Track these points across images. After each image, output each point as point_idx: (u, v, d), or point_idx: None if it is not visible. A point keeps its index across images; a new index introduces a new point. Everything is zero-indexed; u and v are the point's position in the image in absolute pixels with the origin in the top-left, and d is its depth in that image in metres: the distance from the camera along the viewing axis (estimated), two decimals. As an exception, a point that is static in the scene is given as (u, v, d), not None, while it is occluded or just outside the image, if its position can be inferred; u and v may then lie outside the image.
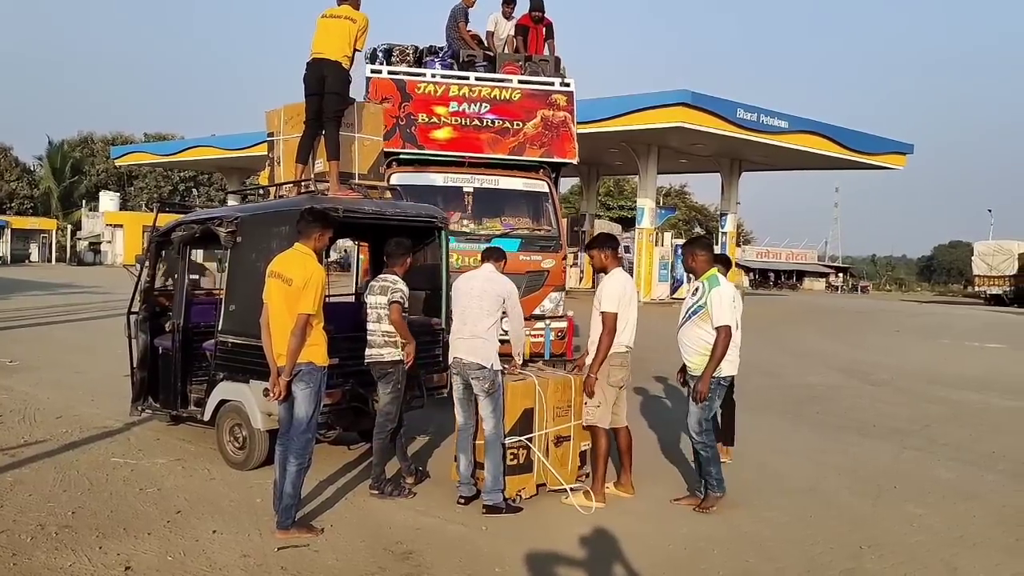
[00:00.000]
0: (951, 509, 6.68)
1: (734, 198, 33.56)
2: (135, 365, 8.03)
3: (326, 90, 7.46)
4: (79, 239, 60.30)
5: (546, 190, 10.44)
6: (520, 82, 10.62)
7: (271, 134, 8.03)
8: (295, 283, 5.49)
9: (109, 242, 56.71)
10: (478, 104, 10.41)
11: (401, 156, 10.00)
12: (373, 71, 10.17)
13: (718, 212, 37.60)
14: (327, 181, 7.32)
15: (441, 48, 11.06)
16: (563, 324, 10.20)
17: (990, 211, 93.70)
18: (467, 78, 10.56)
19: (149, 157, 50.18)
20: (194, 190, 71.05)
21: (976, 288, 51.15)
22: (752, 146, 28.10)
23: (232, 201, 40.84)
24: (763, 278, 63.16)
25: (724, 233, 33.19)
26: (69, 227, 61.78)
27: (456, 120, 10.27)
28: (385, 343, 6.38)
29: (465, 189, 10.12)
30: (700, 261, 6.39)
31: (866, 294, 64.97)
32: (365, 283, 6.97)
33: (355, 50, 7.74)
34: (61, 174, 67.28)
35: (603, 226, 36.70)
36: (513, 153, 10.38)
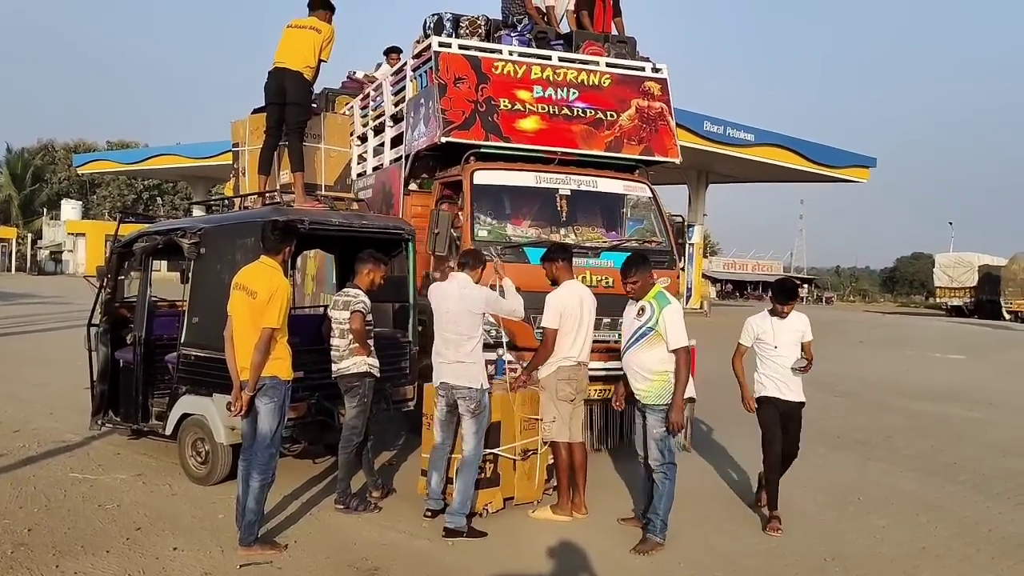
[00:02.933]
0: (914, 521, 6.74)
1: (701, 210, 33.83)
2: (95, 378, 7.88)
3: (287, 100, 7.42)
4: (40, 248, 59.39)
5: (650, 194, 8.88)
6: (608, 65, 9.01)
7: (236, 144, 7.97)
8: (260, 296, 5.42)
9: (71, 251, 55.92)
10: (565, 89, 8.75)
11: (482, 150, 8.31)
12: (442, 44, 8.44)
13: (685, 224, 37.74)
14: (293, 192, 7.26)
15: (519, 19, 9.43)
16: None
17: (951, 224, 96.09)
18: (549, 58, 8.84)
19: (113, 165, 49.44)
20: (159, 199, 70.27)
21: (937, 299, 52.12)
22: (719, 159, 28.36)
23: (197, 212, 40.39)
24: (738, 289, 63.69)
25: (691, 244, 33.40)
26: (30, 236, 60.82)
27: (543, 108, 8.60)
28: (350, 355, 6.32)
29: (561, 192, 8.46)
30: (644, 280, 5.98)
31: (830, 305, 65.80)
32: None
33: (320, 60, 7.71)
34: (21, 182, 66.27)
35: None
36: (610, 149, 8.78)
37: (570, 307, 6.26)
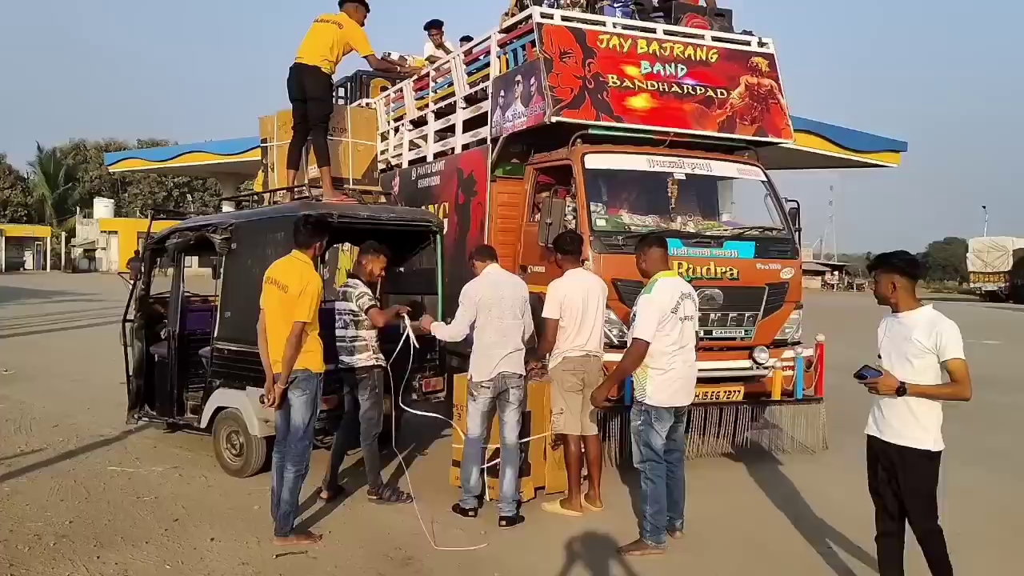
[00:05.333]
0: (948, 505, 6.66)
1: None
2: (131, 373, 8.01)
3: (307, 96, 7.43)
4: (74, 246, 60.25)
5: (764, 178, 8.33)
6: (714, 39, 8.41)
7: (264, 140, 8.03)
8: (291, 290, 5.48)
9: (104, 249, 56.73)
10: (673, 65, 8.10)
11: (591, 131, 7.70)
12: (544, 15, 7.83)
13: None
14: (321, 187, 7.31)
15: None
16: (810, 352, 7.92)
17: (984, 208, 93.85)
18: (654, 31, 8.20)
19: (143, 163, 50.03)
20: (188, 196, 71.03)
21: (971, 284, 51.29)
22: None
23: (227, 207, 40.85)
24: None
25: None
26: (64, 234, 61.75)
27: (652, 85, 7.95)
28: (354, 349, 6.31)
29: (676, 175, 7.87)
30: (650, 261, 5.66)
31: (861, 291, 65.06)
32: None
33: (343, 53, 7.64)
34: (54, 181, 67.29)
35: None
36: (723, 129, 8.22)
37: (571, 297, 6.15)
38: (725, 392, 7.39)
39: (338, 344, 6.31)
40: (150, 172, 61.19)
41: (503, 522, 5.94)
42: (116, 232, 55.72)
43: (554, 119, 7.43)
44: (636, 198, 7.95)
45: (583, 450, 6.34)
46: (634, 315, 5.53)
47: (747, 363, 7.51)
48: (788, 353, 7.71)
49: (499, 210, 8.14)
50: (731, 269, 7.45)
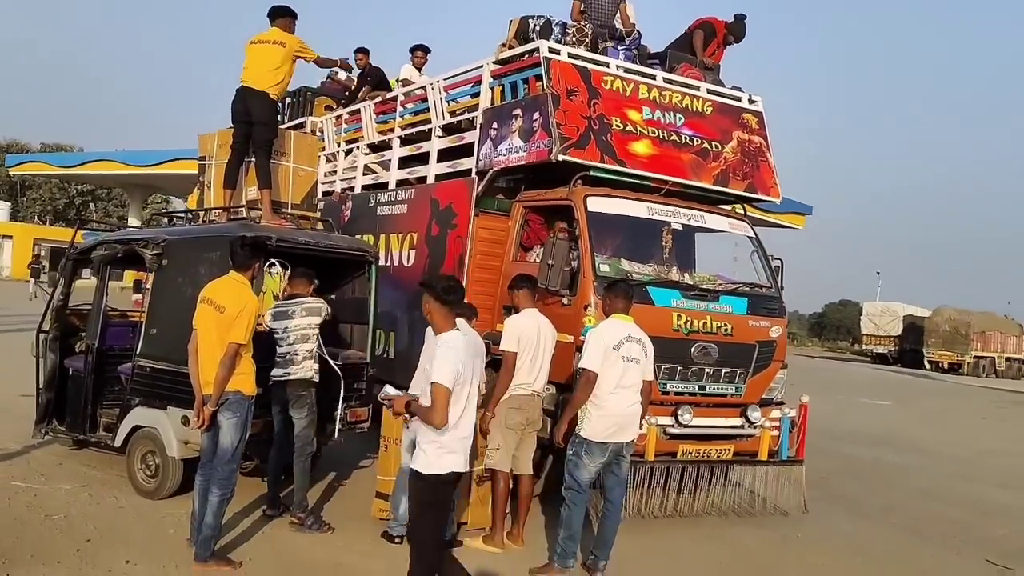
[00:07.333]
0: (851, 561, 7.00)
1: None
2: (42, 386, 7.70)
3: (253, 120, 7.38)
4: (-37, 249, 57.24)
5: (753, 235, 8.26)
6: (708, 92, 8.38)
7: (203, 158, 7.94)
8: (228, 311, 5.43)
9: (-3, 253, 54.06)
10: (672, 113, 8.01)
11: (592, 173, 7.51)
12: (551, 50, 7.63)
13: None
14: (260, 209, 7.27)
15: (630, 33, 8.54)
16: (794, 412, 7.80)
17: (878, 273, 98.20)
18: (654, 77, 8.12)
19: (48, 168, 48.09)
20: (91, 204, 68.59)
21: (863, 346, 53.63)
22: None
23: (133, 221, 39.83)
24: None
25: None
26: (-49, 236, 58.66)
27: (653, 131, 7.83)
28: (304, 359, 6.38)
29: (673, 225, 7.76)
30: (612, 306, 5.87)
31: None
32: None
33: (291, 72, 7.61)
34: (-53, 180, 64.03)
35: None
36: (717, 182, 8.12)
37: (528, 334, 6.28)
38: (716, 450, 7.35)
39: (286, 357, 6.36)
40: (54, 178, 58.89)
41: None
42: (10, 237, 53.27)
43: (561, 158, 7.24)
44: (631, 244, 7.77)
45: (511, 487, 6.40)
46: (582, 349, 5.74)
47: (739, 421, 7.43)
48: (775, 413, 7.63)
49: (478, 245, 7.93)
50: (726, 324, 7.36)
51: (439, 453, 4.29)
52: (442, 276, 5.10)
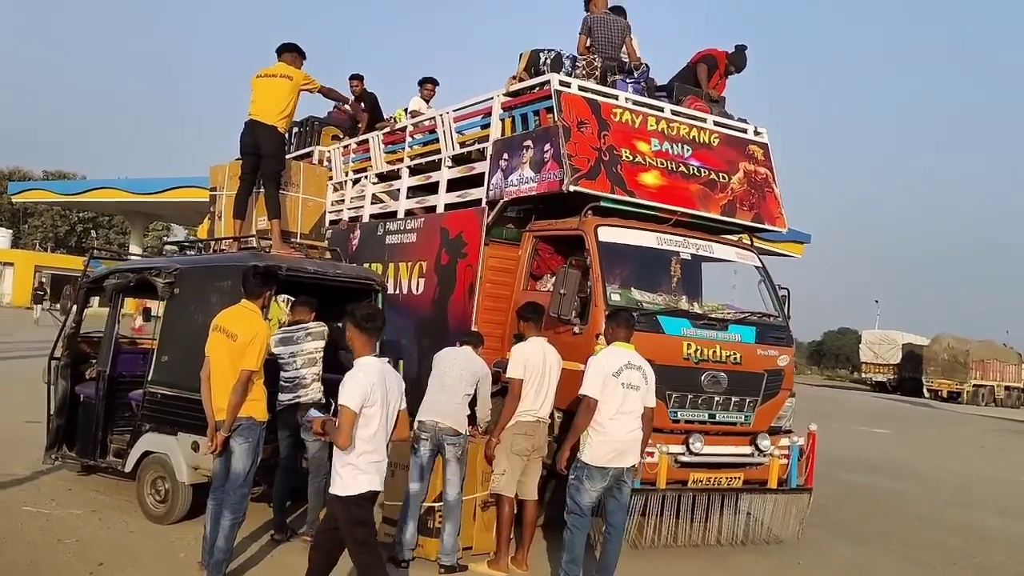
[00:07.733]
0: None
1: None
2: (53, 412, 7.82)
3: (262, 153, 7.56)
4: (-36, 276, 57.34)
5: (759, 264, 8.36)
6: (715, 123, 8.54)
7: (214, 188, 8.10)
8: (240, 339, 5.58)
9: (-2, 280, 54.18)
10: (680, 145, 8.18)
11: (602, 203, 7.64)
12: (562, 83, 7.80)
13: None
14: (270, 239, 7.43)
15: (638, 67, 8.65)
16: (803, 440, 7.88)
17: (877, 302, 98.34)
18: (662, 109, 8.28)
19: (50, 195, 48.36)
20: (93, 232, 68.85)
21: (862, 374, 53.67)
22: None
23: (134, 248, 39.94)
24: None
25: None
26: (-47, 263, 58.79)
27: (661, 163, 7.99)
28: (313, 382, 6.55)
29: (682, 255, 7.88)
30: (614, 335, 6.03)
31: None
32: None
33: (297, 104, 7.82)
34: (-51, 207, 64.29)
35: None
36: (725, 213, 8.27)
37: (533, 361, 6.42)
38: (727, 479, 7.44)
39: (295, 381, 6.50)
40: (54, 205, 59.15)
41: (443, 570, 6.13)
42: (11, 264, 53.46)
43: (572, 188, 7.38)
44: (641, 274, 7.86)
45: (516, 512, 6.49)
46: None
47: (749, 449, 7.51)
48: (784, 441, 7.71)
49: (488, 274, 8.06)
50: (735, 353, 7.43)
51: (353, 474, 4.57)
52: (363, 305, 5.36)
